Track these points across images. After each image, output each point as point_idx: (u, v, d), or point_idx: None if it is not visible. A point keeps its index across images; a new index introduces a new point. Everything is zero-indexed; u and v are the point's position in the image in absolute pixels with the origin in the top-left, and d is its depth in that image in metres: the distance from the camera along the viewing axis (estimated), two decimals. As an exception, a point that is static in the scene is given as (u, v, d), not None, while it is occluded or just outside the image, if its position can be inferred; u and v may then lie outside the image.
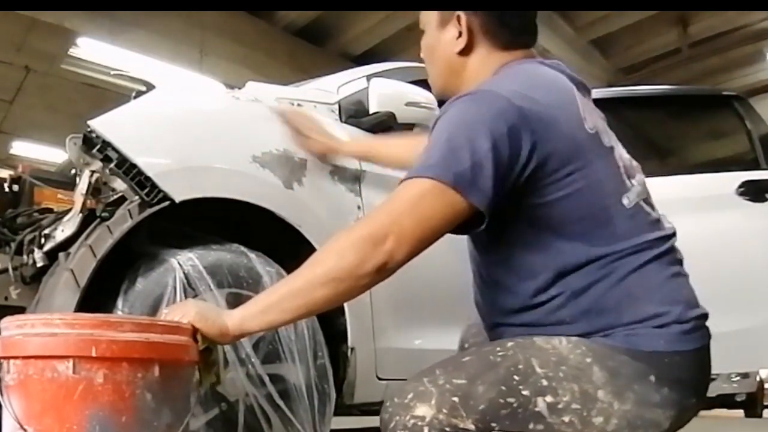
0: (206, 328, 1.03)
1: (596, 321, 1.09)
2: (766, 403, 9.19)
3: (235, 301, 1.48)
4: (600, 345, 1.07)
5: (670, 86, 3.29)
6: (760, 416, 8.87)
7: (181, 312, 1.05)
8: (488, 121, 1.05)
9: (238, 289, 1.51)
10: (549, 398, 1.04)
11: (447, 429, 1.01)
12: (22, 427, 0.87)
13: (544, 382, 1.04)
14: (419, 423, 1.01)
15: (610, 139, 1.17)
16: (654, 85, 3.21)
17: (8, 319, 0.94)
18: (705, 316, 1.14)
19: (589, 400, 1.04)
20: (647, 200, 1.18)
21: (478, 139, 1.03)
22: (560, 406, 1.03)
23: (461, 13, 1.20)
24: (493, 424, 1.02)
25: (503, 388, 1.03)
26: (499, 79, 1.15)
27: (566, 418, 1.04)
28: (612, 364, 1.06)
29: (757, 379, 8.85)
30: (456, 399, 1.02)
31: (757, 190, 2.61)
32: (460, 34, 1.21)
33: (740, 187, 2.59)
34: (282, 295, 1.06)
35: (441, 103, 1.26)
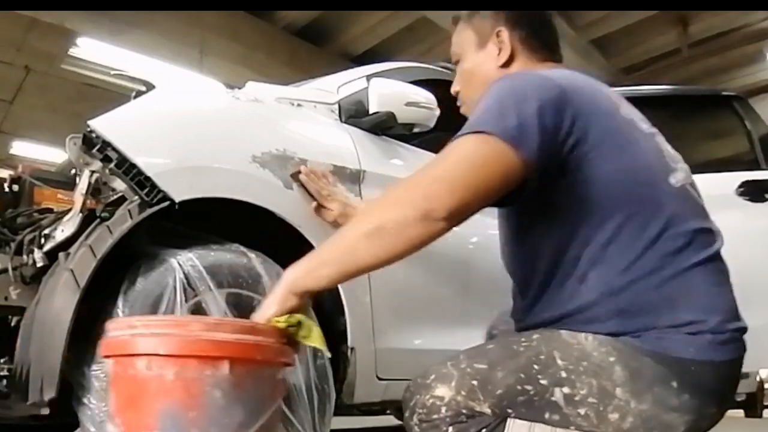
0: (265, 305, 1.04)
1: (630, 322, 1.08)
2: (766, 403, 9.18)
3: (235, 301, 1.48)
4: (627, 345, 1.07)
5: (670, 86, 3.29)
6: (760, 416, 8.86)
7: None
8: (533, 90, 1.08)
9: (238, 289, 1.51)
10: (566, 389, 1.05)
11: (464, 411, 1.04)
12: (112, 419, 0.96)
13: (563, 374, 1.06)
14: (438, 403, 1.05)
15: (650, 127, 1.20)
16: (654, 85, 3.21)
17: (111, 322, 1.01)
18: (743, 330, 1.13)
19: (606, 396, 1.05)
20: (693, 186, 1.19)
21: (524, 103, 1.05)
22: (577, 398, 1.05)
23: (502, 28, 1.28)
24: (509, 410, 1.05)
25: (522, 375, 1.06)
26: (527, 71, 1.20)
27: (582, 411, 1.05)
28: (635, 365, 1.06)
29: (757, 379, 8.84)
30: (475, 382, 1.05)
31: (757, 190, 2.61)
32: (500, 49, 1.28)
33: (740, 187, 2.60)
34: (339, 250, 1.04)
35: None
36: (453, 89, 1.38)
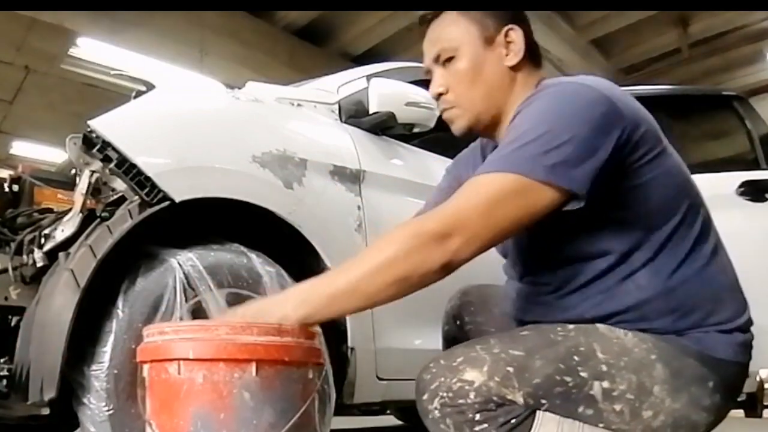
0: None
1: (679, 321, 1.06)
2: (766, 403, 9.19)
3: (235, 301, 1.48)
4: (671, 344, 1.05)
5: (670, 86, 3.30)
6: (760, 416, 8.85)
7: (243, 311, 1.02)
8: (582, 111, 1.01)
9: (238, 289, 1.51)
10: (606, 384, 1.02)
11: (494, 398, 0.98)
12: (148, 422, 0.99)
13: (604, 368, 1.02)
14: (466, 387, 0.98)
15: None
16: (654, 85, 3.21)
17: (146, 328, 1.02)
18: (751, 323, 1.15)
19: (643, 393, 1.03)
20: None
21: (574, 130, 0.99)
22: (615, 393, 1.02)
23: (514, 26, 1.17)
24: (543, 401, 1.00)
25: (561, 366, 1.01)
26: (571, 79, 1.12)
27: (618, 407, 1.02)
28: (677, 364, 1.04)
29: (757, 379, 8.84)
30: (511, 369, 0.99)
31: (757, 190, 2.62)
32: (509, 49, 1.17)
33: (740, 187, 2.60)
34: (343, 291, 0.99)
35: (467, 137, 1.24)
36: (435, 90, 1.22)
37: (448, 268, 0.99)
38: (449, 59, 1.20)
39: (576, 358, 1.02)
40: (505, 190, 0.98)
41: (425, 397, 1.02)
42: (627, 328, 1.07)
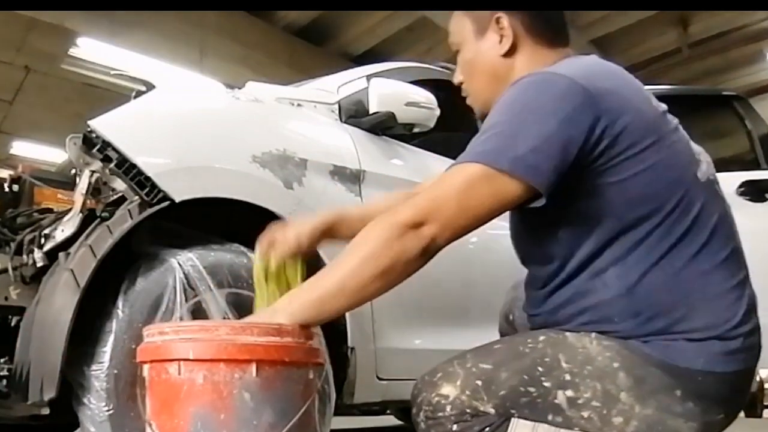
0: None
1: (643, 326, 1.05)
2: (766, 403, 9.19)
3: (235, 301, 1.48)
4: (633, 351, 1.05)
5: (670, 86, 3.30)
6: (760, 416, 8.85)
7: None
8: (551, 102, 1.01)
9: (238, 289, 1.51)
10: (569, 392, 1.04)
11: (467, 410, 1.04)
12: (148, 422, 0.99)
13: (567, 377, 1.04)
14: (442, 401, 1.05)
15: (673, 119, 1.14)
16: (654, 85, 3.21)
17: (146, 328, 1.03)
18: (757, 330, 1.09)
19: (610, 400, 1.04)
20: (715, 177, 1.15)
21: (540, 122, 1.00)
22: (580, 401, 1.04)
23: (501, 14, 1.18)
24: (512, 411, 1.04)
25: (525, 377, 1.05)
26: (556, 66, 1.10)
27: (585, 414, 1.04)
28: (639, 372, 1.04)
29: (757, 379, 8.85)
30: (479, 382, 1.05)
31: (757, 190, 2.62)
32: (502, 37, 1.18)
33: (740, 187, 2.60)
34: (331, 292, 1.00)
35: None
36: (456, 80, 1.28)
37: (427, 254, 1.02)
38: (457, 52, 1.26)
39: (540, 368, 1.05)
40: (473, 179, 1.00)
41: (414, 411, 1.09)
42: (593, 329, 1.08)
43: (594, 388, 1.04)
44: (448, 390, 1.05)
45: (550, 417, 1.04)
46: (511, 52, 1.19)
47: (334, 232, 1.31)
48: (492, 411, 1.04)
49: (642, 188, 1.04)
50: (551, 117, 1.00)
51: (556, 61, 1.14)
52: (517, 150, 0.99)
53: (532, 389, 1.04)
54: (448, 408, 1.04)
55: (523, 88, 1.06)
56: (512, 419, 1.04)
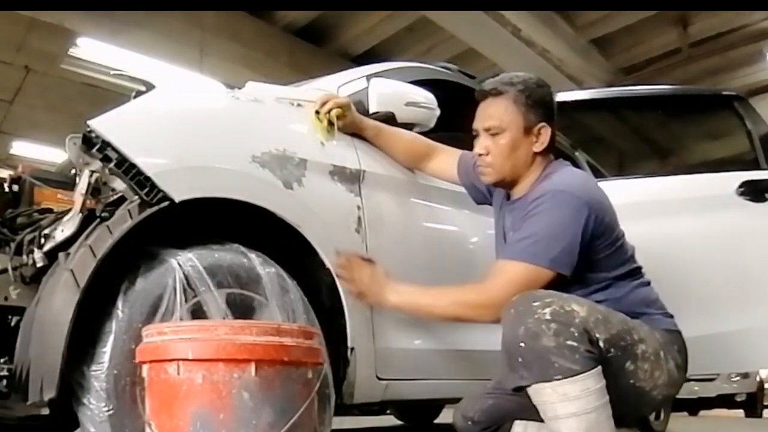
0: (368, 291, 1.66)
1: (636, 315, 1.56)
2: (766, 403, 9.18)
3: (235, 301, 1.48)
4: (646, 322, 1.55)
5: (670, 86, 3.30)
6: (760, 416, 8.85)
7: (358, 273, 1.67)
8: (573, 217, 1.50)
9: (238, 289, 1.50)
10: (643, 346, 1.46)
11: (588, 332, 1.37)
12: (148, 422, 1.00)
13: (641, 335, 1.48)
14: (574, 313, 1.37)
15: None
16: (654, 85, 3.21)
17: (146, 329, 1.05)
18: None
19: (658, 357, 1.49)
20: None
21: (568, 230, 1.50)
22: (647, 354, 1.47)
23: (545, 125, 1.64)
24: (612, 350, 1.40)
25: (623, 327, 1.45)
26: (563, 177, 1.61)
27: (646, 366, 1.46)
28: (658, 333, 1.53)
29: (757, 379, 8.84)
30: (600, 317, 1.41)
31: (757, 190, 2.61)
32: (538, 141, 1.64)
33: (740, 187, 2.59)
34: (422, 305, 1.65)
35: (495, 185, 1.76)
36: (478, 151, 1.68)
37: (480, 320, 1.56)
38: (496, 134, 1.65)
39: (627, 324, 1.47)
40: (522, 277, 1.50)
41: (536, 303, 1.37)
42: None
43: (654, 345, 1.49)
44: (578, 308, 1.38)
45: (627, 364, 1.44)
46: (539, 152, 1.65)
47: (362, 129, 1.92)
48: (601, 344, 1.38)
49: (612, 258, 1.58)
50: (571, 230, 1.50)
51: (552, 161, 1.68)
52: (553, 253, 1.49)
53: (627, 338, 1.44)
54: (578, 320, 1.36)
55: (554, 204, 1.52)
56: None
